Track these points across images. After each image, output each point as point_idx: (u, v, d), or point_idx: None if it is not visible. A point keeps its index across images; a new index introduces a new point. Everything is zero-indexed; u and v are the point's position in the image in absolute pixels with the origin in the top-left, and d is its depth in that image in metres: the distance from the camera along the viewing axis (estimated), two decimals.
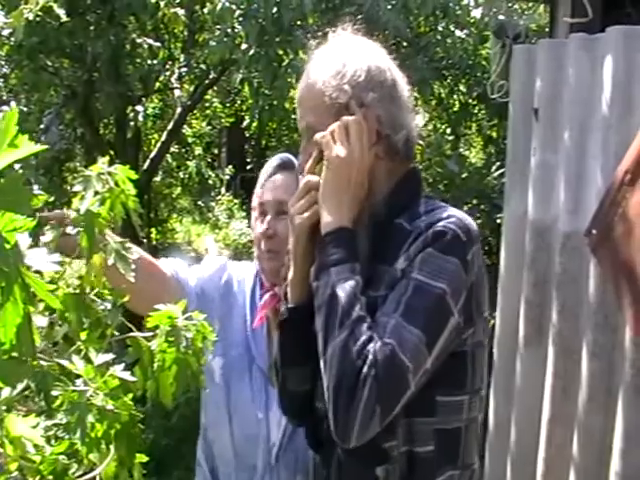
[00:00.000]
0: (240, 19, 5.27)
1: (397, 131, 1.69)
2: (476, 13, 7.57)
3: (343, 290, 1.56)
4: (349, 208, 1.64)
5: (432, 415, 1.62)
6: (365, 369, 1.48)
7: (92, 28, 6.17)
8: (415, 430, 1.61)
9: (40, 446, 1.16)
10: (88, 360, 1.23)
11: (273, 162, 2.21)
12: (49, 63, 6.62)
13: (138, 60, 6.65)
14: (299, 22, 5.13)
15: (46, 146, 0.91)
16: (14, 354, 0.93)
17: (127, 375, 1.24)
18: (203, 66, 7.21)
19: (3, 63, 6.82)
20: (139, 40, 6.45)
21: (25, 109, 6.81)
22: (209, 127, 11.84)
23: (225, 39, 5.33)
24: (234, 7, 5.25)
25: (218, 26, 5.52)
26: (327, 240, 1.62)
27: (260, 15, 5.20)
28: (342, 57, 1.70)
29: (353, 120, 1.65)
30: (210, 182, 12.54)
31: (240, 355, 2.19)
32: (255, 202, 2.20)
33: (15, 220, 0.82)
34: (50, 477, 1.16)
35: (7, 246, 0.82)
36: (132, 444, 1.23)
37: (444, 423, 1.63)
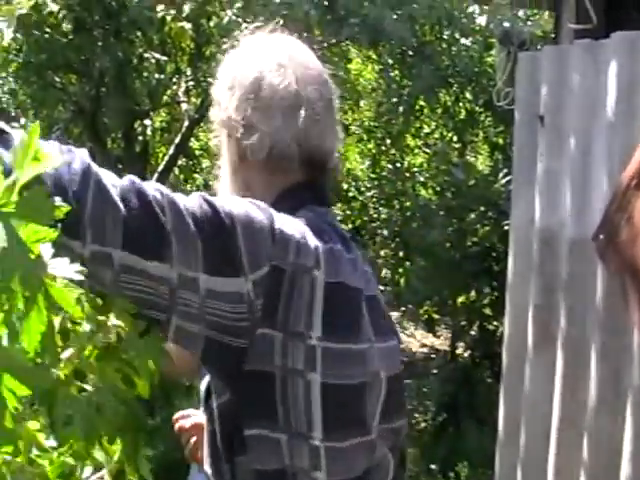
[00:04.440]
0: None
1: (248, 134, 1.50)
2: (481, 21, 7.60)
3: None
4: None
5: (245, 452, 1.37)
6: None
7: (99, 44, 6.22)
8: (237, 470, 1.39)
9: (47, 450, 1.17)
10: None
11: None
12: (57, 79, 6.66)
13: (145, 74, 6.70)
14: (305, 34, 5.15)
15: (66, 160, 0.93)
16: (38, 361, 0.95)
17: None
18: (210, 79, 7.23)
19: (12, 80, 6.87)
20: (146, 55, 6.50)
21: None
22: None
23: None
24: (240, 20, 5.29)
25: (225, 39, 5.55)
26: None
27: None
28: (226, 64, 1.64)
29: None
30: None
31: None
32: None
33: (39, 231, 0.85)
34: None
35: (31, 256, 0.84)
36: (135, 438, 1.23)
37: (260, 463, 1.37)
